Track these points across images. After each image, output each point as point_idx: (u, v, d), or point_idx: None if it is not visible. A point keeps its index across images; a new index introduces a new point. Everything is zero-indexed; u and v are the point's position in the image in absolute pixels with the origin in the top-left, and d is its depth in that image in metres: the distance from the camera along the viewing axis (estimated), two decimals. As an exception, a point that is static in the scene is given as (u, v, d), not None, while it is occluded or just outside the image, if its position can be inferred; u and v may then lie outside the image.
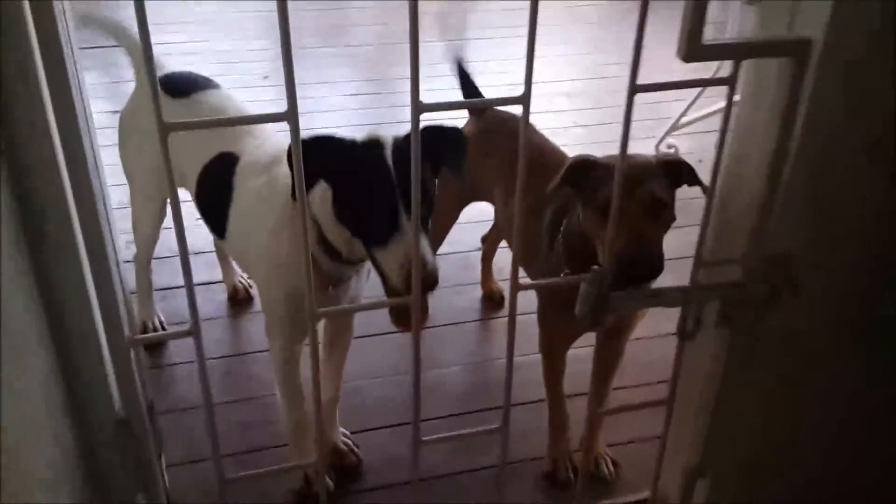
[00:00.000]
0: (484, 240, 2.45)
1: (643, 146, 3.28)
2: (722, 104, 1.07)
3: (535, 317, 1.77)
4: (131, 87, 2.05)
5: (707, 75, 2.56)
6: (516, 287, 1.13)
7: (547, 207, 1.66)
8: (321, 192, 1.40)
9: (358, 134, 1.39)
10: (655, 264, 1.34)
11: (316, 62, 4.23)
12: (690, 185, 1.45)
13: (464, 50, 2.07)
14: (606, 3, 5.25)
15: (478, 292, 2.47)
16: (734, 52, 1.01)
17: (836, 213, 1.20)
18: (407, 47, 0.89)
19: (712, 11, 0.96)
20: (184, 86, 1.84)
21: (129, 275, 2.20)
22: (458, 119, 1.94)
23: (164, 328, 2.21)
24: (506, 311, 2.23)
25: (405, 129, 1.13)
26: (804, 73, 1.05)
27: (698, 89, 3.18)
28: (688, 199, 1.57)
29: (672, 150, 3.36)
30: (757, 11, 1.17)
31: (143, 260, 2.13)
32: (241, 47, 4.28)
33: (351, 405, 1.97)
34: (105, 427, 1.08)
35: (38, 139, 0.89)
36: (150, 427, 1.32)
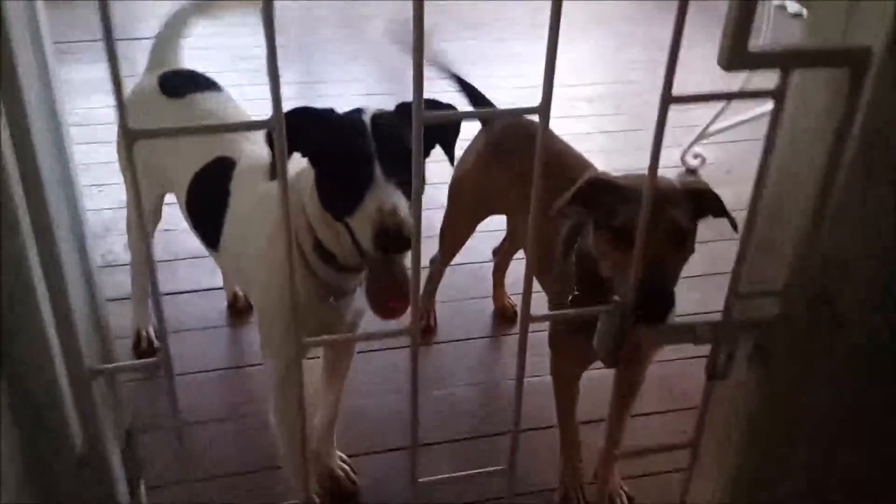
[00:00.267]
0: (495, 252, 2.33)
1: (667, 156, 3.15)
2: (753, 112, 0.95)
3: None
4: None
5: (734, 83, 2.42)
6: (527, 318, 1.00)
7: (564, 221, 1.54)
8: (311, 186, 1.33)
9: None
10: (671, 298, 1.23)
11: (334, 57, 4.14)
12: (716, 216, 1.33)
13: (445, 58, 1.95)
14: (629, 1, 5.11)
15: (489, 306, 2.35)
16: (783, 60, 0.89)
17: (893, 244, 1.07)
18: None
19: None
20: (181, 86, 1.74)
21: (121, 278, 2.11)
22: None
23: (158, 337, 2.11)
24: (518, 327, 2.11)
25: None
26: (861, 86, 0.93)
27: (723, 101, 3.04)
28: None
29: (698, 161, 3.22)
30: (807, 16, 1.04)
31: (139, 263, 2.03)
32: (253, 42, 4.19)
33: (351, 426, 1.86)
34: (64, 463, 0.97)
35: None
36: (128, 454, 1.21)
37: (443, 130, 1.35)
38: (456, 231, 2.12)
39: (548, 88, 0.84)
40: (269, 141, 1.32)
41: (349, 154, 1.24)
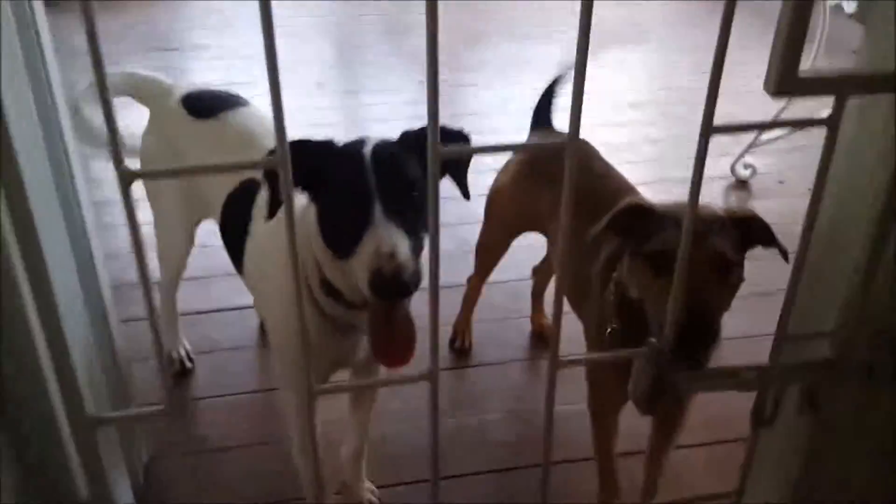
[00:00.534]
0: (535, 272, 2.25)
1: (716, 166, 3.03)
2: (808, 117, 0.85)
3: (588, 357, 1.56)
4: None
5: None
6: (556, 364, 0.93)
7: (602, 247, 1.45)
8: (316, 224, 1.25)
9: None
10: (713, 337, 1.13)
11: (375, 66, 4.11)
12: (765, 245, 1.23)
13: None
14: (676, 2, 4.99)
15: (527, 326, 2.27)
16: (837, 87, 0.80)
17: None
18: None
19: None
20: (210, 105, 1.70)
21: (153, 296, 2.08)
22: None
23: (190, 358, 2.08)
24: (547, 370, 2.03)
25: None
26: (927, 113, 0.83)
27: (780, 103, 2.90)
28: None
29: (748, 172, 3.09)
30: (864, 34, 0.94)
31: (169, 290, 2.01)
32: (293, 52, 4.18)
33: (380, 455, 1.80)
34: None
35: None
36: (146, 488, 1.17)
37: (452, 162, 1.25)
38: (491, 247, 2.05)
39: (575, 120, 0.77)
40: (266, 177, 1.26)
41: (347, 191, 1.15)
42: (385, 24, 4.74)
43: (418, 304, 1.15)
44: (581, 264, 1.51)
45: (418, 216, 1.16)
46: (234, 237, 1.54)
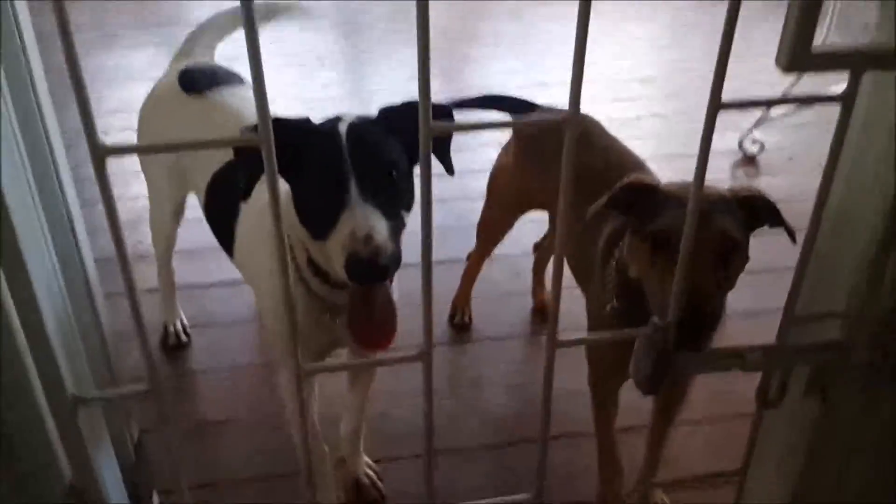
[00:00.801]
0: (536, 247, 2.22)
1: (724, 141, 2.98)
2: (820, 93, 0.81)
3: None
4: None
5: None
6: (554, 343, 0.90)
7: (606, 224, 1.42)
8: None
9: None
10: (713, 322, 1.10)
11: (378, 41, 4.05)
12: (772, 225, 1.19)
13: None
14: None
15: (527, 302, 2.25)
16: (853, 62, 0.76)
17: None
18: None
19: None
20: (202, 81, 1.66)
21: (153, 269, 2.06)
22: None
23: (186, 332, 2.06)
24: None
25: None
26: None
27: (789, 78, 2.84)
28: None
29: (757, 147, 3.03)
30: (878, 6, 0.90)
31: (163, 260, 1.98)
32: (294, 26, 4.11)
33: (379, 431, 1.78)
34: (51, 492, 0.91)
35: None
36: (138, 465, 1.15)
37: (434, 139, 1.21)
38: (493, 225, 2.02)
39: (575, 95, 0.73)
40: (237, 154, 1.22)
41: (321, 170, 1.11)
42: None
43: (412, 283, 1.12)
44: (586, 242, 1.47)
45: (397, 195, 1.13)
46: (222, 217, 1.50)
